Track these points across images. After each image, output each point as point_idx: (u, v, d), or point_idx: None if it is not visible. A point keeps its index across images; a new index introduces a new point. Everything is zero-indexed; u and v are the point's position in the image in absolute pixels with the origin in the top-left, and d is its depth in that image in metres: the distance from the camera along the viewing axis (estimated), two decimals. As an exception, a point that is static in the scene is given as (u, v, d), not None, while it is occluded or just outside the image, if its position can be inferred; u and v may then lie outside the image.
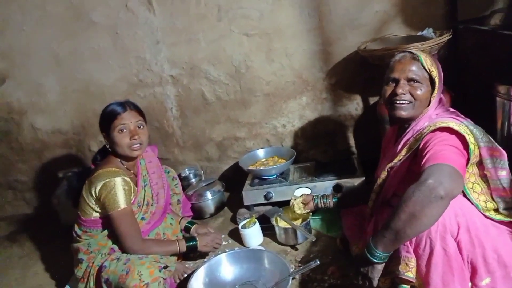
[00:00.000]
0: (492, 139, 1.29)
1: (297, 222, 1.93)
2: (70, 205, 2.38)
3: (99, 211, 1.68)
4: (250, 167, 2.25)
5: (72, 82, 2.59)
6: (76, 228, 1.73)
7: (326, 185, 2.04)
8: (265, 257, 1.70)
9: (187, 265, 1.87)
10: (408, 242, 1.20)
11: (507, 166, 1.28)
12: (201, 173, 2.58)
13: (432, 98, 1.39)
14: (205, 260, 1.85)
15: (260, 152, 2.42)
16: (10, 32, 2.51)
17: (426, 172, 1.14)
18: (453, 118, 1.32)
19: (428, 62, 1.38)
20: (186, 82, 2.50)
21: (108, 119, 1.72)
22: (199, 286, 1.62)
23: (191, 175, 2.53)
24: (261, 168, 2.22)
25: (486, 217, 1.26)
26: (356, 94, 2.37)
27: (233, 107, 2.51)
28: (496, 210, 1.29)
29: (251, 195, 2.14)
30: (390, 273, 1.25)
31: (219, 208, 2.35)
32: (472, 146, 1.23)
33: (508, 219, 1.28)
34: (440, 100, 1.43)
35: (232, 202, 2.39)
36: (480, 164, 1.29)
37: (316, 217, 1.98)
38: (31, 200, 2.84)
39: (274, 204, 2.10)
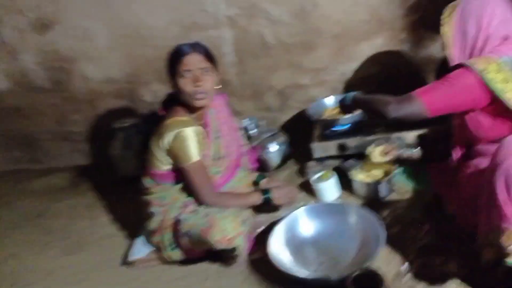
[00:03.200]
0: None
1: (378, 175, 1.77)
2: (127, 156, 2.38)
3: (170, 163, 1.59)
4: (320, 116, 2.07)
5: (121, 26, 2.41)
6: (146, 180, 1.66)
7: (408, 135, 1.84)
8: (348, 211, 1.58)
9: (259, 219, 1.78)
10: (508, 211, 1.06)
11: None
12: (263, 123, 2.43)
13: None
14: (279, 214, 1.75)
15: (328, 101, 2.21)
16: (55, -28, 2.33)
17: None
18: (495, 52, 1.28)
19: None
20: (244, 24, 2.28)
21: (172, 62, 1.57)
22: (280, 242, 1.53)
23: (251, 126, 2.38)
24: (335, 117, 2.02)
25: None
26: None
27: (296, 51, 2.28)
28: None
29: (321, 147, 1.99)
30: (492, 246, 1.12)
31: (284, 161, 2.22)
32: (495, 84, 1.23)
33: None
34: (505, 39, 1.32)
35: (296, 155, 2.25)
36: None
37: (400, 171, 1.81)
38: (87, 151, 2.82)
39: (348, 157, 1.94)
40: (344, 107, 1.75)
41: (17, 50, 2.59)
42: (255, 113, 2.51)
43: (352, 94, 1.70)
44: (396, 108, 1.37)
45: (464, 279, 1.26)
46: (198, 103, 1.57)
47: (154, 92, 2.53)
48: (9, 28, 2.54)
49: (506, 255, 1.08)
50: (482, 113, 1.33)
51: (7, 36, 2.56)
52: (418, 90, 1.38)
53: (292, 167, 2.20)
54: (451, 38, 1.39)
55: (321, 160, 2.02)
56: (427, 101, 1.33)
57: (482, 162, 1.29)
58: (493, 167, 1.09)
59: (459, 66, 1.33)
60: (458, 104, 1.34)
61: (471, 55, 1.37)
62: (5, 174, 2.83)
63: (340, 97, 1.83)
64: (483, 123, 1.34)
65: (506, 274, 1.18)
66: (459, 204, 1.37)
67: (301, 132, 2.21)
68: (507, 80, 1.23)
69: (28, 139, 2.84)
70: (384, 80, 2.24)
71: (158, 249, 1.64)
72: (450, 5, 1.43)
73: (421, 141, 1.82)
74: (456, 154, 1.48)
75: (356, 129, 1.99)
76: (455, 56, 1.39)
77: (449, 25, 1.39)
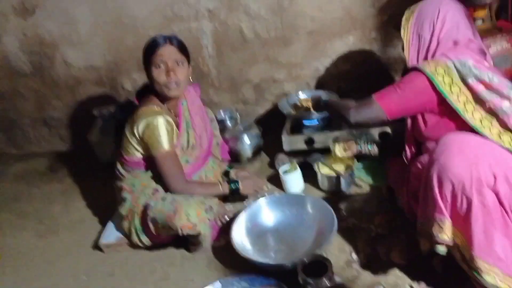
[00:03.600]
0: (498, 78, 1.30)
1: (341, 170, 1.86)
2: (106, 143, 2.43)
3: (142, 151, 1.65)
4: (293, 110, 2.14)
5: (103, 13, 2.43)
6: (119, 166, 1.72)
7: (372, 132, 1.93)
8: (307, 202, 1.68)
9: (227, 208, 1.86)
10: (440, 203, 1.15)
11: (511, 95, 1.28)
12: (237, 116, 2.49)
13: None
14: (245, 203, 1.83)
15: (301, 96, 2.29)
16: (38, -43, 2.34)
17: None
18: (445, 56, 1.36)
19: None
20: (223, 17, 2.33)
21: (147, 53, 1.62)
22: (241, 231, 1.62)
23: (227, 118, 2.45)
24: (304, 112, 2.10)
25: None
26: (409, 34, 2.15)
27: (272, 45, 2.35)
28: None
29: (291, 140, 2.06)
30: (427, 235, 1.21)
31: (256, 153, 2.29)
32: (443, 87, 1.31)
33: None
34: (456, 43, 1.41)
35: (269, 147, 2.32)
36: (479, 99, 1.30)
37: (360, 166, 1.90)
38: (66, 137, 2.85)
39: (315, 150, 2.02)
40: (317, 105, 1.84)
41: (0, 34, 2.61)
42: (232, 105, 2.58)
43: (325, 96, 1.77)
44: (357, 113, 1.49)
45: (405, 268, 1.36)
46: (170, 93, 1.63)
47: (134, 80, 2.57)
48: (-8, 11, 2.55)
49: (437, 243, 1.17)
50: (430, 113, 1.42)
51: (-11, 20, 2.57)
52: (376, 95, 1.47)
53: (264, 159, 2.28)
54: (408, 41, 1.47)
55: (290, 153, 2.10)
56: (384, 105, 1.43)
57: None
58: (430, 163, 1.18)
59: (413, 68, 1.41)
60: (413, 107, 1.43)
61: (425, 57, 1.45)
62: (-16, 157, 2.86)
63: (313, 94, 1.90)
64: (430, 123, 1.43)
65: (442, 262, 1.29)
66: (407, 197, 1.46)
67: (275, 125, 2.28)
68: (453, 83, 1.32)
69: (8, 123, 2.86)
70: (355, 77, 2.31)
71: (128, 234, 1.71)
72: (409, 9, 1.51)
73: (380, 137, 1.91)
74: (410, 150, 1.57)
75: (325, 124, 2.08)
76: (411, 58, 1.47)
77: (407, 29, 1.47)
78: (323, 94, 2.13)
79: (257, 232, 1.64)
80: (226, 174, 1.95)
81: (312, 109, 2.01)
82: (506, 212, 1.13)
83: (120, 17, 2.43)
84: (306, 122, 2.10)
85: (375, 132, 1.93)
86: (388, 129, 1.90)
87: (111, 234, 1.79)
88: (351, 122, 1.51)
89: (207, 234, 1.59)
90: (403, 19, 1.51)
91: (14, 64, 2.68)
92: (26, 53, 2.63)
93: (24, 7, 2.50)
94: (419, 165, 1.38)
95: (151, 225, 1.59)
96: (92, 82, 2.66)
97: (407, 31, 1.48)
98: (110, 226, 1.83)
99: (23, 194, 2.35)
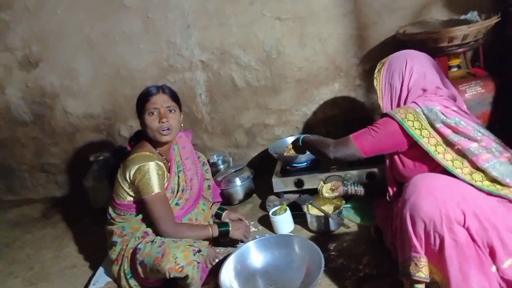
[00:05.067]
0: (464, 121, 1.39)
1: (329, 210, 1.89)
2: (100, 188, 2.47)
3: (133, 195, 1.68)
4: (285, 154, 2.20)
5: (103, 66, 2.60)
6: (110, 210, 1.75)
7: (359, 173, 1.99)
8: (295, 243, 1.68)
9: (217, 250, 1.87)
10: (415, 242, 1.20)
11: (477, 137, 1.36)
12: (230, 159, 2.57)
13: None
14: (236, 246, 1.84)
15: (290, 139, 2.36)
16: (44, 16, 2.53)
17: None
18: (415, 103, 1.46)
19: None
20: (216, 68, 2.48)
21: (141, 101, 1.72)
22: (230, 274, 1.61)
23: (220, 161, 2.52)
24: (292, 155, 2.17)
25: (487, 193, 1.26)
26: (391, 81, 2.28)
27: (263, 93, 2.47)
28: (493, 180, 1.28)
29: (281, 182, 2.11)
30: (405, 274, 1.24)
31: (248, 195, 2.33)
32: (413, 131, 1.41)
33: (498, 189, 1.26)
34: (424, 90, 1.51)
35: (261, 189, 2.37)
36: (449, 142, 1.37)
37: (348, 206, 1.93)
38: (63, 182, 2.90)
39: (305, 191, 2.06)
40: (296, 148, 1.91)
41: (4, 86, 2.75)
42: (225, 149, 2.66)
43: (302, 136, 1.87)
44: (335, 150, 1.59)
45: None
46: (163, 138, 1.70)
47: (131, 127, 2.67)
48: (-2, 65, 2.71)
49: (415, 282, 1.19)
50: (405, 155, 1.51)
51: (-5, 72, 2.73)
52: (353, 135, 1.58)
53: (255, 201, 2.31)
54: (381, 90, 1.59)
55: (280, 194, 2.14)
56: (359, 144, 1.54)
57: None
58: (403, 203, 1.23)
59: (386, 114, 1.52)
60: (385, 147, 1.53)
61: (398, 105, 1.56)
62: (-19, 204, 2.89)
63: (293, 138, 1.98)
64: (406, 164, 1.51)
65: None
66: (391, 237, 1.49)
67: (266, 168, 2.34)
68: (422, 127, 1.41)
69: (6, 170, 2.93)
70: (343, 121, 2.41)
71: (117, 278, 1.70)
72: (380, 62, 1.64)
73: (367, 178, 1.96)
74: (392, 190, 1.62)
75: (313, 166, 2.14)
76: (384, 105, 1.58)
77: (379, 79, 1.59)
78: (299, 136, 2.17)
79: (245, 274, 1.63)
80: (218, 216, 1.97)
81: (294, 153, 2.05)
82: (480, 248, 1.16)
83: (119, 69, 2.58)
84: (295, 165, 2.17)
85: (363, 173, 1.98)
86: (375, 170, 1.96)
87: (100, 279, 1.78)
88: (330, 158, 1.59)
89: (196, 277, 1.58)
90: (376, 71, 1.64)
91: (15, 113, 2.80)
92: (27, 103, 2.77)
93: (28, 61, 2.67)
94: (400, 205, 1.42)
95: (139, 269, 1.59)
96: (90, 129, 2.76)
97: (379, 81, 1.61)
98: (101, 271, 1.83)
99: (16, 241, 2.36)
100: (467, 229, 1.15)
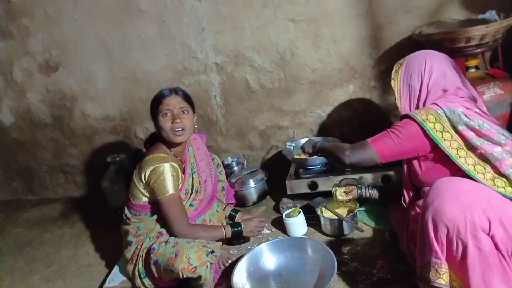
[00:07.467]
0: (487, 124, 1.34)
1: (343, 213, 1.87)
2: (117, 189, 2.52)
3: (148, 196, 1.71)
4: (296, 156, 2.21)
5: (120, 70, 2.65)
6: (126, 211, 1.78)
7: (374, 176, 1.96)
8: (308, 246, 1.67)
9: (231, 251, 1.88)
10: (436, 247, 1.15)
11: (501, 141, 1.30)
12: (244, 161, 2.57)
13: None
14: (249, 247, 1.84)
15: (303, 141, 2.36)
16: (63, 22, 2.61)
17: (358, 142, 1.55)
18: (436, 105, 1.42)
19: None
20: (230, 70, 2.49)
21: (155, 103, 1.75)
22: (243, 275, 1.62)
23: (234, 163, 2.53)
24: (306, 157, 2.16)
25: (510, 200, 1.20)
26: (407, 83, 2.25)
27: (277, 95, 2.48)
28: None
29: (295, 184, 2.11)
30: (425, 280, 1.20)
31: (261, 197, 2.33)
32: (434, 133, 1.36)
33: None
34: (445, 91, 1.46)
35: (274, 191, 2.36)
36: (471, 146, 1.33)
37: (362, 209, 1.91)
38: (81, 183, 2.97)
39: (319, 194, 2.05)
40: (307, 153, 1.88)
41: (25, 89, 2.84)
42: (239, 151, 2.67)
43: (315, 141, 1.84)
44: (351, 155, 1.52)
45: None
46: (176, 139, 1.73)
47: (147, 129, 2.72)
48: (19, 69, 2.80)
49: None
50: (425, 159, 1.45)
51: (17, 76, 2.82)
52: (371, 138, 1.52)
53: (269, 203, 2.31)
54: (399, 91, 1.55)
55: (294, 196, 2.13)
56: (378, 148, 1.47)
57: None
58: (425, 207, 1.19)
59: (406, 116, 1.48)
60: (405, 151, 1.46)
61: (417, 106, 1.52)
62: (2, 204, 3.00)
63: (308, 140, 1.95)
64: (425, 169, 1.45)
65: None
66: (407, 242, 1.46)
67: (280, 170, 2.34)
68: (444, 130, 1.36)
69: (26, 171, 3.02)
70: (358, 123, 2.39)
71: (132, 277, 1.73)
72: (397, 62, 1.61)
73: (383, 181, 1.93)
74: (408, 195, 1.58)
75: (328, 169, 2.12)
76: (403, 106, 1.55)
77: (397, 80, 1.56)
78: (321, 140, 2.17)
79: (258, 276, 1.63)
80: (231, 218, 1.98)
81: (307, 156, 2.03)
82: (504, 257, 1.12)
83: (135, 73, 2.63)
84: (309, 167, 2.16)
85: (378, 176, 1.96)
86: (391, 173, 1.93)
87: (116, 278, 1.81)
88: (346, 163, 1.54)
89: (209, 278, 1.60)
90: (393, 71, 1.60)
91: (36, 116, 2.89)
92: (47, 105, 2.85)
93: (48, 65, 2.75)
94: (418, 209, 1.39)
95: (153, 268, 1.61)
96: (107, 131, 2.82)
97: (397, 82, 1.56)
98: (116, 269, 1.86)
99: (35, 239, 2.42)
100: (492, 237, 1.11)
